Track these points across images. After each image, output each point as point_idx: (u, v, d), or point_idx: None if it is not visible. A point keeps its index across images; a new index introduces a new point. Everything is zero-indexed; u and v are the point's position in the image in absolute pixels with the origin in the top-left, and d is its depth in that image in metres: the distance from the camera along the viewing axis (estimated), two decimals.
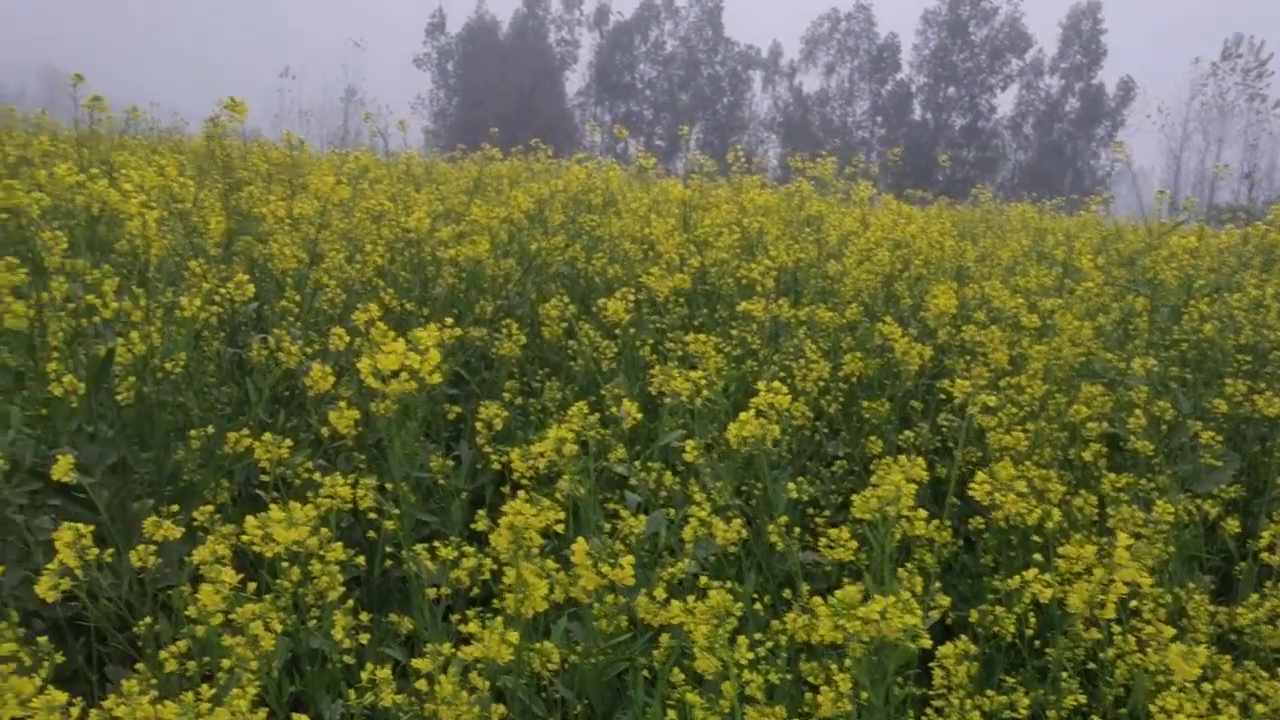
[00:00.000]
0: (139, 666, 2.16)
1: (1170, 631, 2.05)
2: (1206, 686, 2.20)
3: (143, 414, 3.27)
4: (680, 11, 78.42)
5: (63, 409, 2.99)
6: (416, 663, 1.84)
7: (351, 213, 5.01)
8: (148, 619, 2.47)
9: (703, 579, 1.84)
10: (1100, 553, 2.14)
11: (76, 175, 3.12)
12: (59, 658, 2.27)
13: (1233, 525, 3.35)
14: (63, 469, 2.32)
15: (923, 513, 2.33)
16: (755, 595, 2.67)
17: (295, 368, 3.46)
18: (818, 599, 1.79)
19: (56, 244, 2.90)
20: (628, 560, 1.87)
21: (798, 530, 2.69)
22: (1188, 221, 6.13)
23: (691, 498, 2.31)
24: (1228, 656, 2.93)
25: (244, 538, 2.02)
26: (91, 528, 2.49)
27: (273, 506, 2.03)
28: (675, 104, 74.98)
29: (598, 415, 2.55)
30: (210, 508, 2.68)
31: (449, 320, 2.93)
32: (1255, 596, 2.47)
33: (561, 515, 1.93)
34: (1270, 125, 63.54)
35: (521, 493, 1.85)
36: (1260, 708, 2.16)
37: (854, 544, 2.20)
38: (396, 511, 2.48)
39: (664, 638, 2.05)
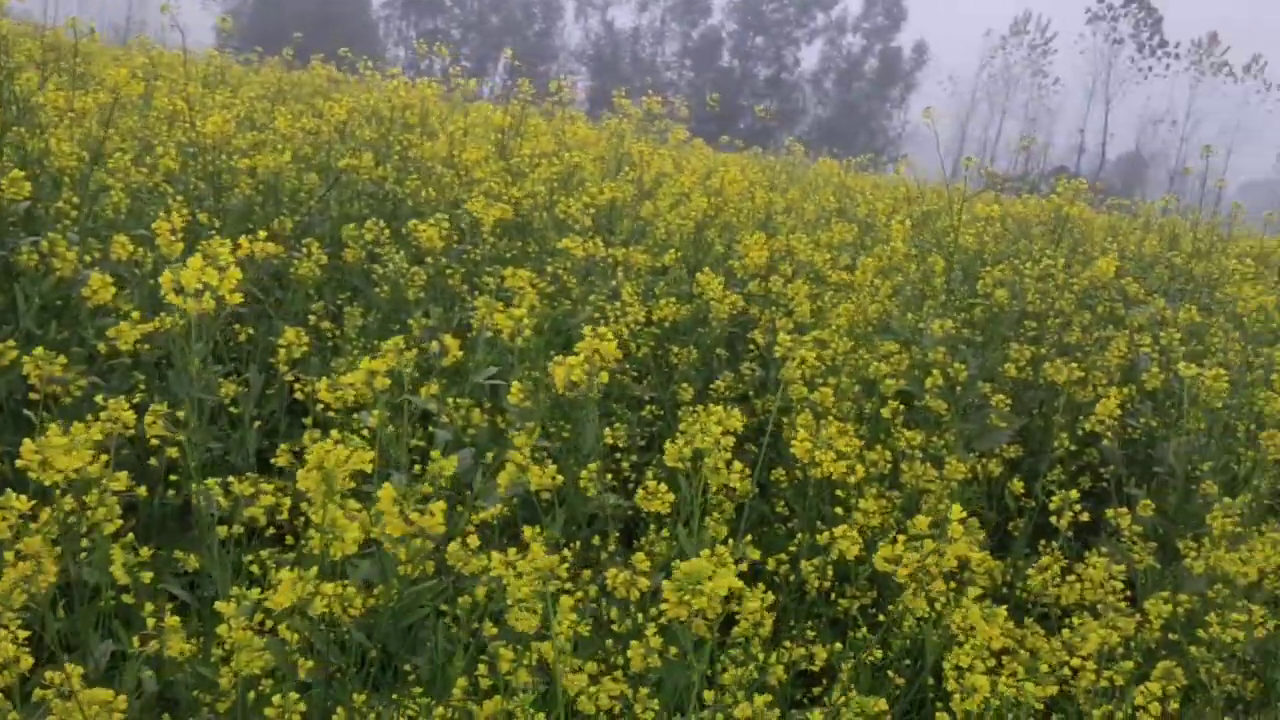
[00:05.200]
0: None
1: (975, 591, 2.12)
2: (995, 643, 2.30)
3: None
4: None
5: None
6: (220, 606, 1.69)
7: (141, 112, 4.61)
8: None
9: (527, 531, 1.77)
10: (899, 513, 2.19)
11: None
12: None
13: (1017, 485, 3.54)
14: None
15: (739, 466, 2.33)
16: (563, 541, 2.62)
17: (72, 276, 3.15)
18: (640, 554, 1.76)
19: None
20: (438, 506, 1.78)
21: (609, 475, 2.66)
22: (983, 189, 6.40)
23: (510, 439, 2.22)
24: (1002, 608, 3.10)
25: (18, 462, 1.81)
26: None
27: (51, 428, 1.82)
28: (485, 25, 73.16)
29: (411, 348, 2.42)
30: None
31: (258, 234, 2.72)
32: (1047, 558, 2.60)
33: (372, 455, 1.81)
34: (1049, 100, 67.74)
35: (334, 431, 1.72)
36: (1043, 665, 2.27)
37: (670, 496, 2.17)
38: (180, 438, 2.29)
39: (479, 590, 1.97)
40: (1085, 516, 2.56)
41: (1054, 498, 2.50)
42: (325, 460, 1.66)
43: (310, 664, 1.72)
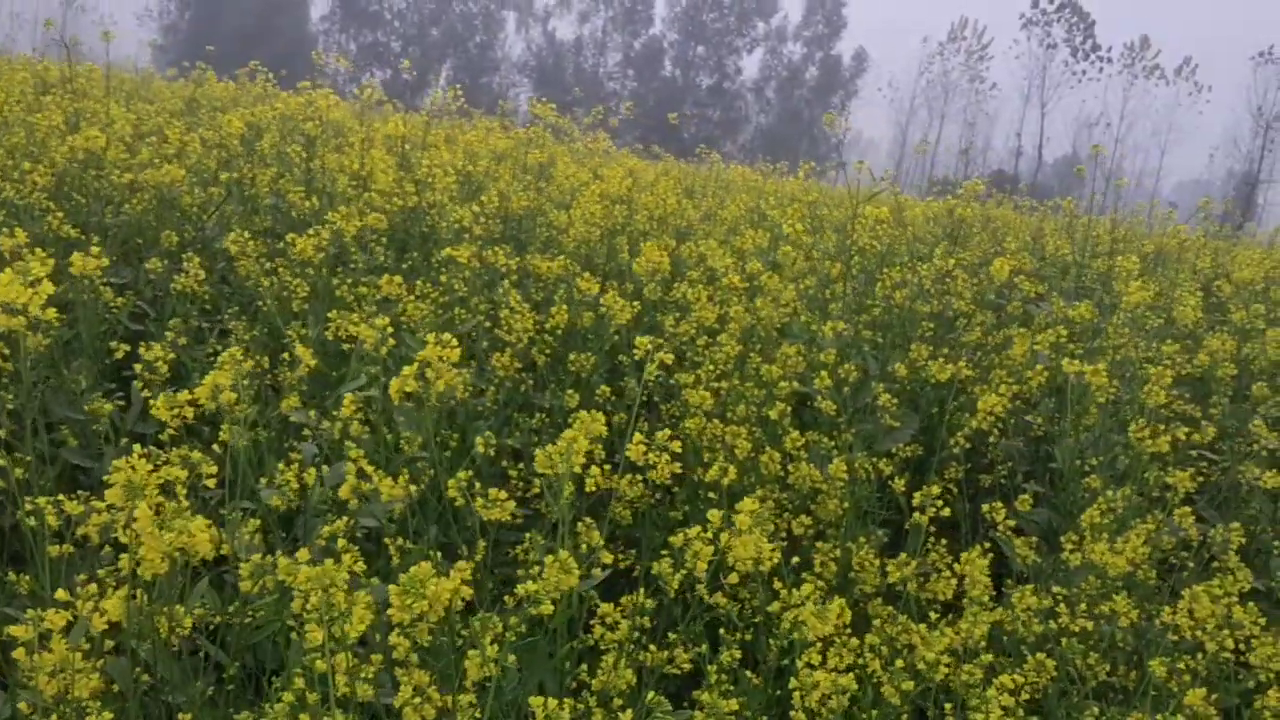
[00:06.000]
0: None
1: (808, 589, 2.12)
2: (854, 642, 2.31)
3: None
4: None
5: None
6: (13, 630, 1.65)
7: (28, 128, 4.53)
8: None
9: (341, 542, 1.75)
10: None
11: None
12: None
13: (900, 484, 3.55)
14: None
15: (595, 470, 2.32)
16: (430, 552, 2.60)
17: None
18: (461, 563, 1.74)
19: None
20: (199, 524, 1.74)
21: (479, 485, 2.63)
22: (899, 191, 6.46)
23: (347, 452, 2.19)
24: (890, 608, 3.11)
25: None
26: None
27: None
28: (425, 38, 72.84)
29: (264, 360, 2.39)
30: None
31: (95, 249, 2.66)
32: (904, 555, 2.61)
33: (174, 474, 1.78)
34: (986, 105, 68.83)
35: (137, 448, 1.69)
36: (900, 662, 2.28)
37: (512, 504, 2.16)
38: (28, 458, 2.24)
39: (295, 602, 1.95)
40: (946, 512, 2.58)
41: (916, 495, 2.52)
42: (128, 478, 1.62)
43: (96, 682, 1.68)
